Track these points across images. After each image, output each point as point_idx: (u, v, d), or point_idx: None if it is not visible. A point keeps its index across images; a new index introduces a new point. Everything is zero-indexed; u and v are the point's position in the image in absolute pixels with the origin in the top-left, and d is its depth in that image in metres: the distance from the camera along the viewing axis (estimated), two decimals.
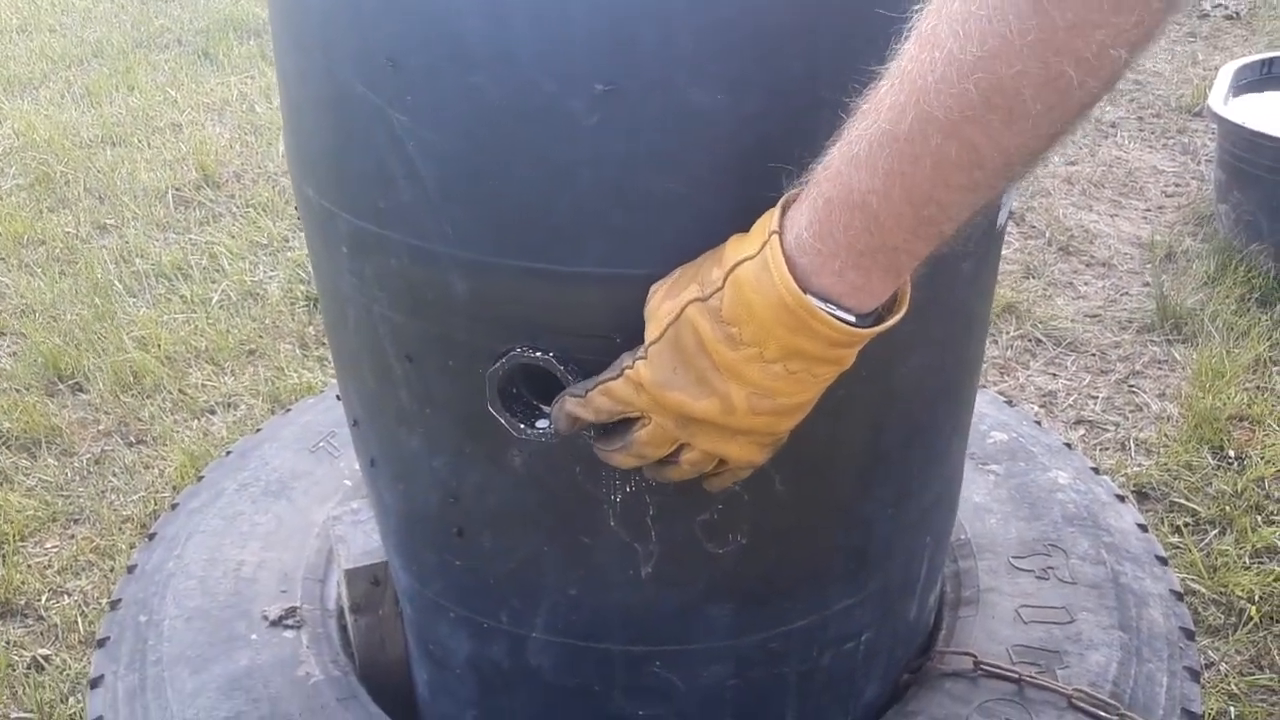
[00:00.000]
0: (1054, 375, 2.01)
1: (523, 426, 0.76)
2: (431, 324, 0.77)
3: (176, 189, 2.75)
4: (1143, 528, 1.25)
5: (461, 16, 0.65)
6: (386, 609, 1.07)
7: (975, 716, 1.00)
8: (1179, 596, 1.16)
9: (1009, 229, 2.56)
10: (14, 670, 1.40)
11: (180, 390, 1.97)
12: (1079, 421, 1.89)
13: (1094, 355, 2.07)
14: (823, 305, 0.59)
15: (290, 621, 1.13)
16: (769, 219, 0.61)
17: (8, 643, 1.44)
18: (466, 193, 0.70)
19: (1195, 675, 1.06)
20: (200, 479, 1.38)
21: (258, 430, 1.49)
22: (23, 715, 1.34)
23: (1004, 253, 2.45)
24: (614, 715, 0.92)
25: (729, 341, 0.62)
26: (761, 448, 0.68)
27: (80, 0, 4.51)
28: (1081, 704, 1.00)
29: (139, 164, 2.90)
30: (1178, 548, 1.58)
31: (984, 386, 1.93)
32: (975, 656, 1.04)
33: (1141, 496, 1.70)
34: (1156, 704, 1.02)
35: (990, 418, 1.41)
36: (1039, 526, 1.22)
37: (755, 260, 0.60)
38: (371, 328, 0.82)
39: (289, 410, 1.55)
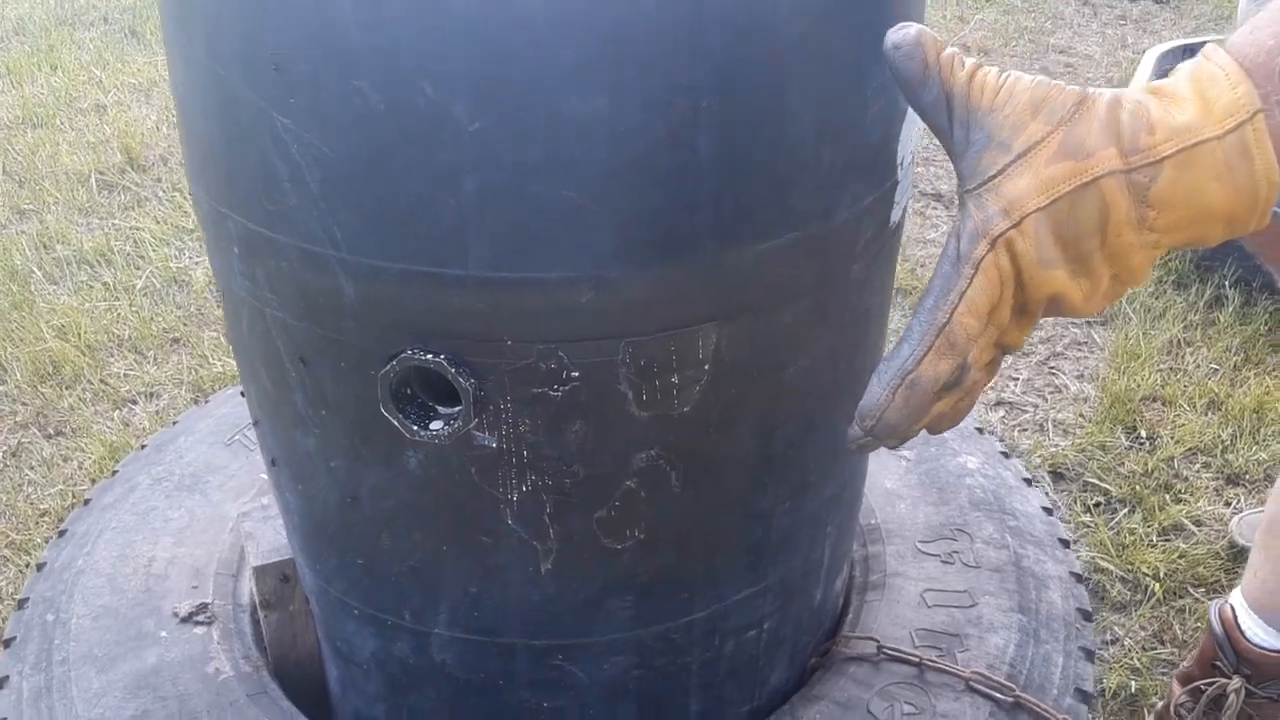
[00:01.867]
0: None
1: (416, 428, 0.76)
2: (323, 327, 0.77)
3: (100, 173, 2.69)
4: (1048, 511, 1.28)
5: (343, 21, 0.65)
6: (297, 605, 1.07)
7: (876, 700, 1.03)
8: (1079, 578, 1.19)
9: (939, 210, 2.59)
10: None
11: (101, 380, 1.94)
12: (999, 403, 1.93)
13: None
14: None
15: (201, 618, 1.12)
16: (1230, 87, 0.52)
17: None
18: (351, 196, 0.70)
19: (1090, 655, 1.10)
20: (114, 473, 1.37)
21: (174, 423, 1.47)
22: None
23: (931, 236, 2.49)
24: (519, 708, 0.93)
25: (1139, 224, 0.54)
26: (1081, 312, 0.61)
27: None
28: (978, 686, 1.03)
29: (61, 146, 2.84)
30: (1089, 526, 1.63)
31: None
32: (878, 641, 1.07)
33: (1056, 477, 1.74)
34: (1051, 684, 1.05)
35: None
36: (946, 511, 1.25)
37: (1226, 142, 0.52)
38: (265, 330, 0.82)
39: (207, 402, 1.53)
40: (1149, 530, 1.62)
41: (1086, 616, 1.14)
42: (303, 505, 0.92)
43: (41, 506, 1.65)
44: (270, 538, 1.07)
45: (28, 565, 1.52)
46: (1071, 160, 0.54)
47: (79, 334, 2.04)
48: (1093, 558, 1.56)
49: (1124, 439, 1.81)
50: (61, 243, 2.38)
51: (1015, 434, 1.84)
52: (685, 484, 0.82)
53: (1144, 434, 1.81)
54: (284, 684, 1.07)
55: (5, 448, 1.77)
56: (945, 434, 1.36)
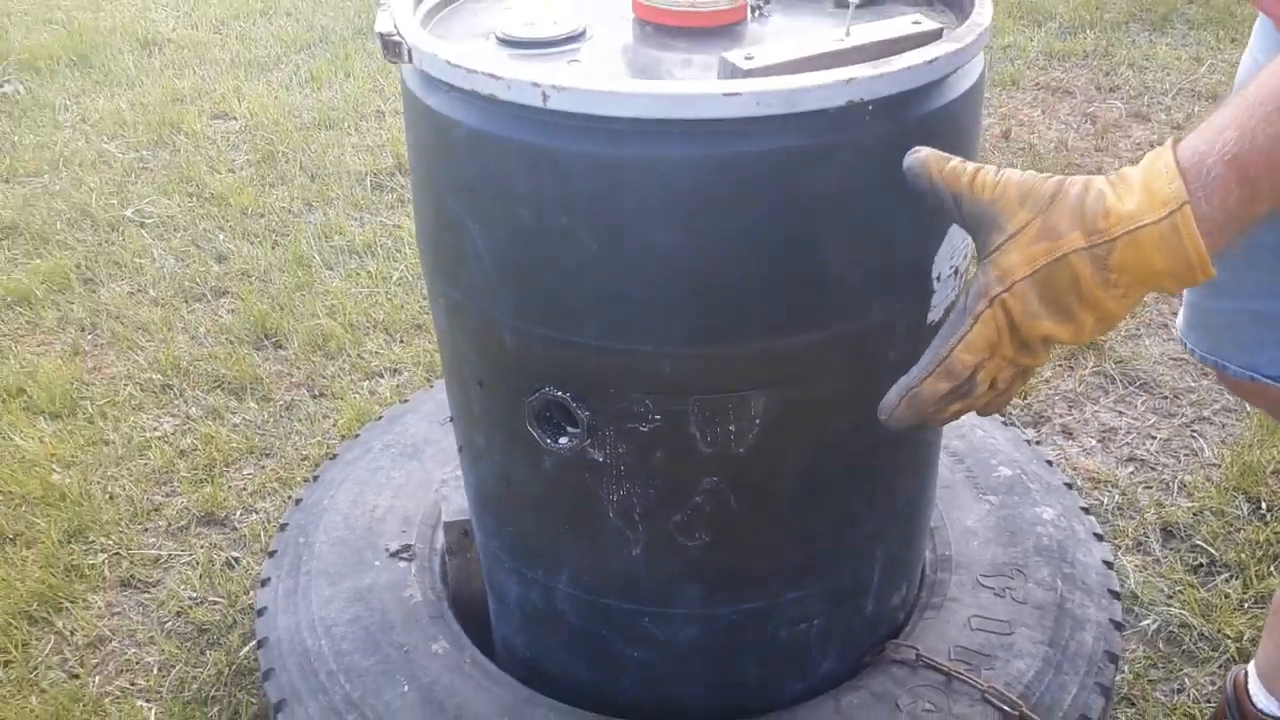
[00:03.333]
0: (1120, 413, 2.17)
1: (549, 441, 1.08)
2: (491, 364, 1.10)
3: (374, 174, 3.20)
4: (1108, 564, 1.46)
5: (512, 169, 0.97)
6: (472, 554, 1.42)
7: (905, 697, 1.26)
8: (1117, 626, 1.37)
9: None
10: (213, 566, 1.84)
11: (358, 355, 2.39)
12: (1130, 459, 2.05)
13: (1165, 398, 2.20)
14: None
15: (405, 555, 1.50)
16: (1166, 183, 0.70)
17: (210, 545, 1.88)
18: (511, 282, 1.02)
19: (1105, 691, 1.28)
20: (357, 436, 1.78)
21: (405, 400, 1.87)
22: (216, 599, 1.78)
23: None
24: (615, 652, 1.23)
25: (1104, 283, 0.72)
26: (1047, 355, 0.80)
27: None
28: (991, 698, 1.24)
29: (346, 148, 3.37)
30: (1186, 585, 1.75)
31: (1044, 419, 2.13)
32: (917, 650, 1.30)
33: (1167, 535, 1.86)
34: (1060, 708, 1.25)
35: (1002, 454, 1.63)
36: (1011, 552, 1.45)
37: (1162, 225, 0.69)
38: (458, 359, 1.15)
39: (432, 386, 1.92)
40: (1244, 597, 1.72)
41: (1113, 659, 1.32)
42: (475, 482, 1.26)
43: (303, 452, 2.10)
44: (458, 501, 1.42)
45: (288, 496, 1.97)
46: (1048, 241, 0.73)
47: (345, 314, 2.51)
48: (1178, 615, 1.69)
49: (1244, 508, 1.90)
50: (338, 234, 2.88)
51: (1138, 490, 1.96)
52: (740, 505, 1.09)
53: (1265, 506, 1.90)
54: (457, 611, 1.42)
55: (282, 402, 2.25)
56: (1030, 485, 1.56)
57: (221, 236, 2.88)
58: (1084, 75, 3.77)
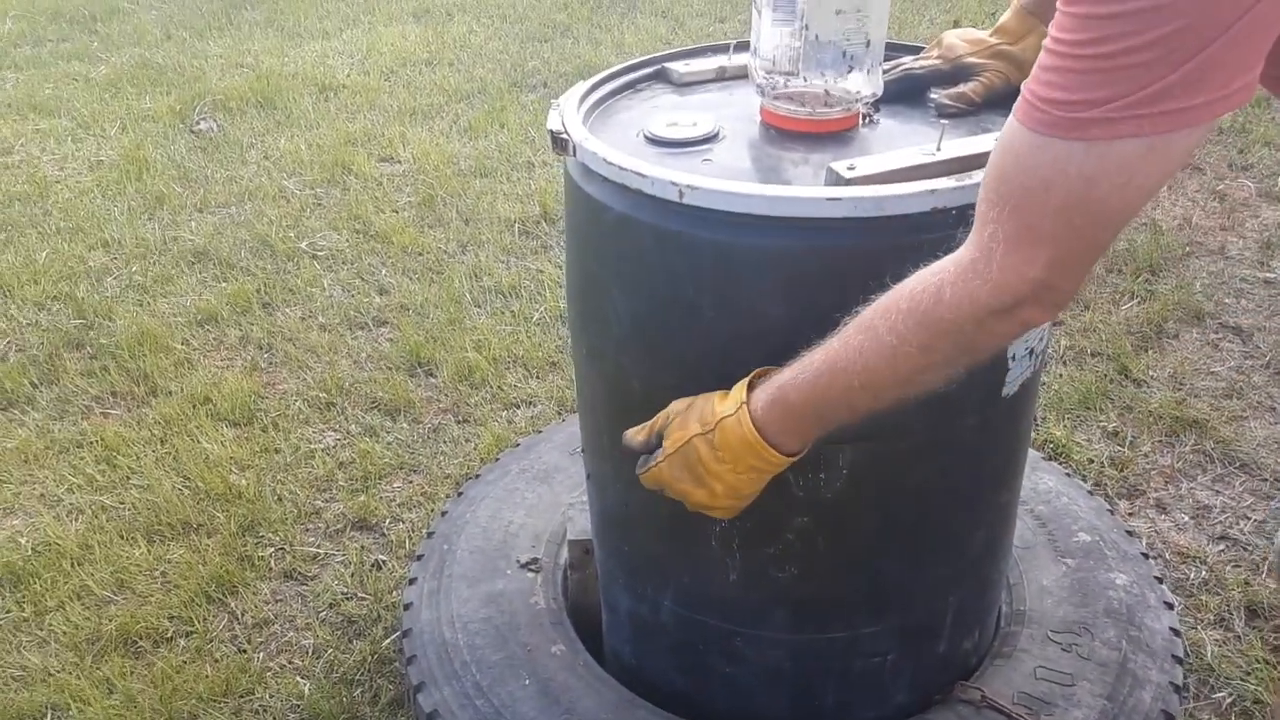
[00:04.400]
0: (1217, 492, 2.24)
1: None
2: (620, 404, 1.30)
3: (521, 221, 3.48)
4: (1175, 631, 1.56)
5: (650, 248, 1.17)
6: (591, 570, 1.62)
7: None
8: (1177, 689, 1.47)
9: (1234, 343, 2.73)
10: (363, 567, 2.09)
11: (499, 386, 2.63)
12: (1222, 537, 2.12)
13: (1265, 480, 2.26)
14: (770, 444, 1.06)
15: (533, 567, 1.71)
16: (741, 391, 1.08)
17: (362, 548, 2.13)
18: (643, 336, 1.22)
19: None
20: (497, 459, 2.01)
21: (539, 431, 2.09)
22: (364, 596, 2.03)
23: (1218, 369, 2.64)
24: (709, 666, 1.41)
25: (716, 459, 1.08)
26: (726, 511, 1.15)
27: (476, 38, 5.46)
28: None
29: (498, 195, 3.66)
30: (1265, 664, 1.82)
31: (1138, 492, 2.21)
32: (983, 691, 1.44)
33: (1251, 614, 1.93)
34: None
35: (1084, 521, 1.75)
36: (1082, 612, 1.57)
37: (733, 418, 1.07)
38: (592, 397, 1.36)
39: (563, 420, 2.15)
40: None
41: (1169, 718, 1.43)
42: (599, 506, 1.46)
43: (447, 471, 2.35)
44: (582, 522, 1.62)
45: (433, 509, 2.21)
46: (682, 430, 1.11)
47: (489, 349, 2.77)
48: (1254, 690, 1.76)
49: None
50: (487, 275, 3.16)
51: (1226, 567, 2.03)
52: (826, 543, 1.26)
53: None
54: (574, 620, 1.62)
55: (430, 425, 2.51)
56: (1107, 552, 1.67)
57: (384, 271, 3.19)
58: (1217, 151, 3.79)
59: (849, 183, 1.09)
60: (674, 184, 1.10)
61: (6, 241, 3.41)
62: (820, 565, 1.28)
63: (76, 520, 2.22)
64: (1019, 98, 0.84)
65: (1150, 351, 2.71)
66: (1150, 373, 2.61)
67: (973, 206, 1.08)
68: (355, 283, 3.13)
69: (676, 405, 1.14)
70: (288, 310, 3.01)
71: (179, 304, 3.03)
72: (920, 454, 1.22)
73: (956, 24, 5.41)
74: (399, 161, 3.99)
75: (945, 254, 1.11)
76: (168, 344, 2.82)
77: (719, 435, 1.08)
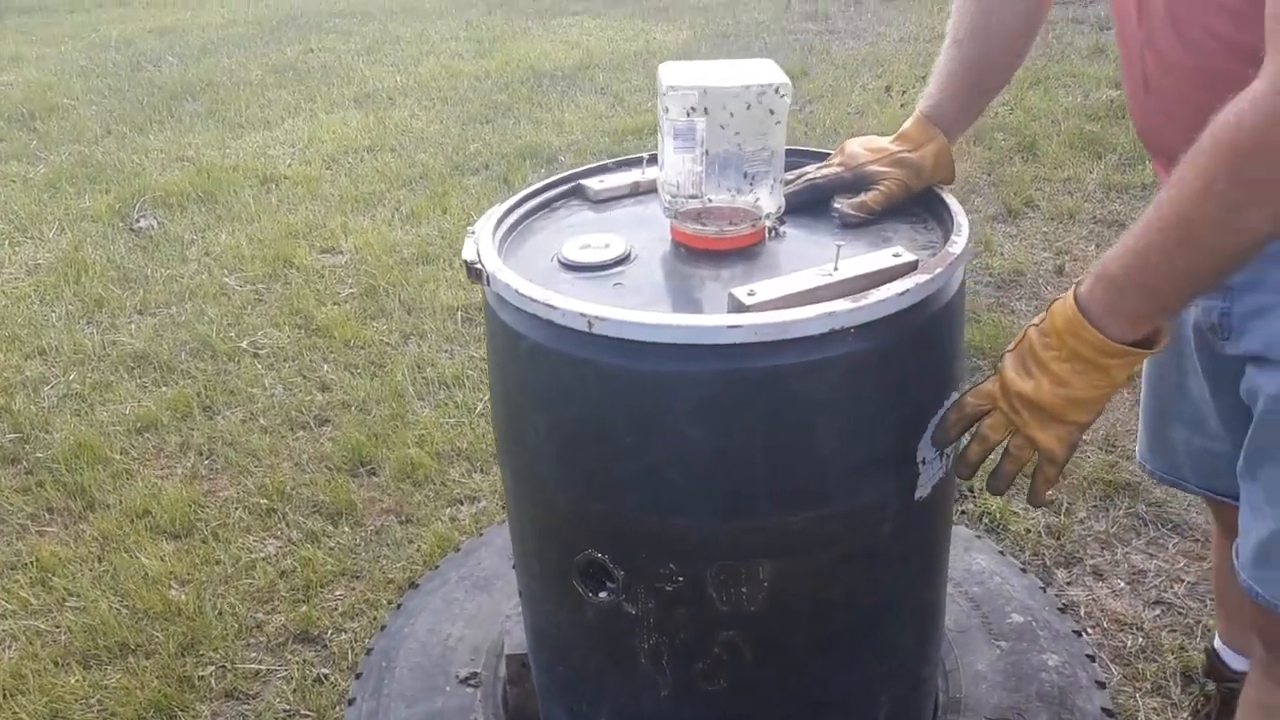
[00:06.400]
0: (1151, 555, 2.28)
1: (590, 594, 1.28)
2: (546, 526, 1.31)
3: (464, 309, 3.49)
4: (1108, 712, 1.58)
5: (564, 375, 1.19)
6: (530, 684, 1.61)
7: None
8: None
9: None
10: (305, 682, 2.06)
11: (442, 483, 2.63)
12: (1157, 602, 2.15)
13: (1197, 541, 2.30)
14: (1094, 325, 1.04)
15: (472, 682, 1.70)
16: (1074, 282, 1.08)
17: (304, 661, 2.11)
18: (564, 459, 1.24)
19: None
20: (436, 567, 2.00)
21: (480, 534, 2.09)
22: (307, 713, 2.00)
23: None
24: None
25: (1044, 345, 1.08)
26: (1060, 441, 1.11)
27: (418, 122, 5.53)
28: None
29: (440, 283, 3.68)
30: None
31: (1076, 559, 2.25)
32: None
33: (1186, 680, 1.95)
34: None
35: (1016, 601, 1.78)
36: (1015, 697, 1.59)
37: (1060, 300, 1.08)
38: (520, 518, 1.37)
39: (504, 522, 2.15)
40: None
41: None
42: (532, 624, 1.46)
43: (389, 576, 2.33)
44: (519, 635, 1.62)
45: (375, 618, 2.19)
46: (1019, 335, 1.14)
47: (432, 444, 2.76)
48: None
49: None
50: (430, 366, 3.16)
51: (1162, 633, 2.07)
52: (754, 654, 1.27)
53: None
54: None
55: (372, 528, 2.49)
56: (1039, 633, 1.70)
57: (326, 367, 3.19)
58: (1143, 208, 3.89)
59: (749, 309, 1.12)
60: (583, 315, 1.13)
61: None
62: (749, 677, 1.29)
63: (9, 648, 2.17)
64: None
65: None
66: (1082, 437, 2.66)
67: (873, 324, 1.13)
68: (297, 380, 3.13)
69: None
70: (228, 413, 2.99)
71: (117, 412, 3.00)
72: (840, 564, 1.24)
73: (888, 90, 5.57)
74: (341, 252, 4.01)
75: (850, 370, 1.15)
76: (106, 454, 2.79)
77: (1048, 320, 1.08)
